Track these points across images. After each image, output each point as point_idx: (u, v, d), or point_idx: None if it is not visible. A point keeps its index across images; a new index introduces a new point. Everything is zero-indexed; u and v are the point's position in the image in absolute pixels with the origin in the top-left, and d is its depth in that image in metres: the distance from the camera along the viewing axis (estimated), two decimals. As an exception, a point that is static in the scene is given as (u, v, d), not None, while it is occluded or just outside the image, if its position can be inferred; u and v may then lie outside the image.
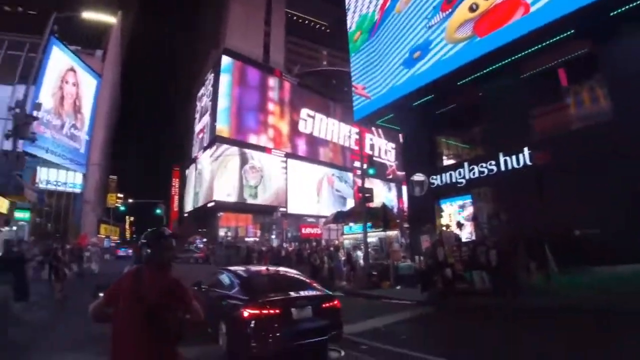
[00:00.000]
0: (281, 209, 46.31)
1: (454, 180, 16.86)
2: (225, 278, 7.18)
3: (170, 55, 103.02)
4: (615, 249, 10.52)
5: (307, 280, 7.20)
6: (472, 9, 15.36)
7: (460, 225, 14.43)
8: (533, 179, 13.79)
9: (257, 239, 51.65)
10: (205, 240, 48.40)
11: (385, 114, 20.70)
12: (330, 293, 6.98)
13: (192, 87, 72.20)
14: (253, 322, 5.61)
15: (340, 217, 21.01)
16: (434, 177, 17.82)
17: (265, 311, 5.69)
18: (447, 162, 19.14)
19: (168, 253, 2.76)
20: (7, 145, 12.93)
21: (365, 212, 17.31)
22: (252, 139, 55.65)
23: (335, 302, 6.56)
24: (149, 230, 2.92)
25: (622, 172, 10.87)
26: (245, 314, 5.67)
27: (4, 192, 10.12)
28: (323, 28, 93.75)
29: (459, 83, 16.29)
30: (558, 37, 13.05)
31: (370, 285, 15.42)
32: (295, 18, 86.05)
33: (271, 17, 69.91)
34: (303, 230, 48.34)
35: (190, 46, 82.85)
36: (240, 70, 56.53)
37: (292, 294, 6.27)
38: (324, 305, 6.35)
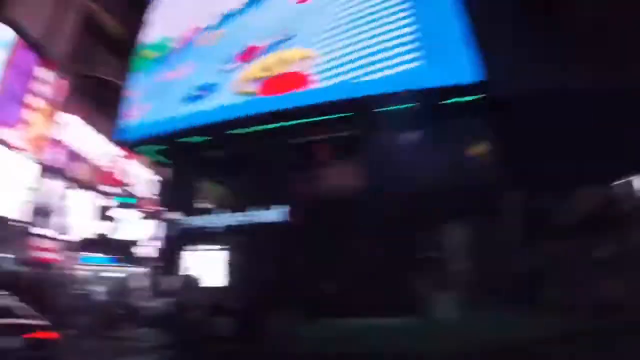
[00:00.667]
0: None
1: (211, 224, 16.86)
2: None
3: None
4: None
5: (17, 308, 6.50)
6: (264, 69, 16.40)
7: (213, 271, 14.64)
8: (287, 235, 15.06)
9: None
10: None
11: (157, 144, 19.67)
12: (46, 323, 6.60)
13: None
14: None
15: (84, 245, 18.86)
16: (190, 218, 17.49)
17: None
18: (208, 206, 19.08)
19: None
20: None
21: (111, 242, 16.04)
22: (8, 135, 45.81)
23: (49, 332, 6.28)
24: None
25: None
26: None
27: None
28: (120, 35, 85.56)
29: (235, 132, 16.84)
30: (328, 117, 14.86)
31: (114, 325, 14.22)
32: (93, 15, 76.24)
33: (70, 6, 60.82)
34: (36, 253, 41.52)
35: None
36: (11, 44, 46.75)
37: None
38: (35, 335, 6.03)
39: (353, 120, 15.01)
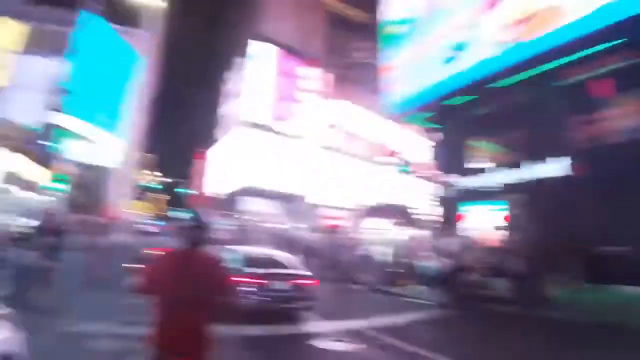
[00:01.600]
0: (308, 198, 46.03)
1: (487, 184, 16.48)
2: (231, 254, 8.94)
3: (212, 39, 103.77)
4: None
5: (294, 262, 9.27)
6: (516, 11, 14.88)
7: (489, 230, 14.11)
8: (568, 190, 13.34)
9: (283, 226, 52.06)
10: (232, 223, 49.06)
11: (423, 112, 20.37)
12: (308, 273, 8.79)
13: (225, 69, 72.67)
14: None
15: (366, 211, 20.87)
16: (465, 179, 17.48)
17: (255, 280, 7.77)
18: (481, 165, 18.64)
19: (203, 233, 2.88)
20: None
21: (389, 208, 17.17)
22: (284, 127, 55.69)
23: (313, 281, 8.56)
24: (190, 215, 3.08)
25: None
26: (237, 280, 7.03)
27: (42, 163, 10.44)
28: (364, 21, 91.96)
29: (498, 86, 15.84)
30: (604, 46, 12.49)
31: (393, 282, 15.36)
32: (334, 9, 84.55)
33: (311, 6, 69.25)
34: (328, 222, 48.43)
35: (227, 30, 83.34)
36: (274, 56, 56.34)
37: (280, 271, 8.35)
38: (301, 282, 8.27)
39: (628, 45, 12.16)
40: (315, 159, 54.94)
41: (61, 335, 5.97)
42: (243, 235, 27.67)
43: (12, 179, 9.06)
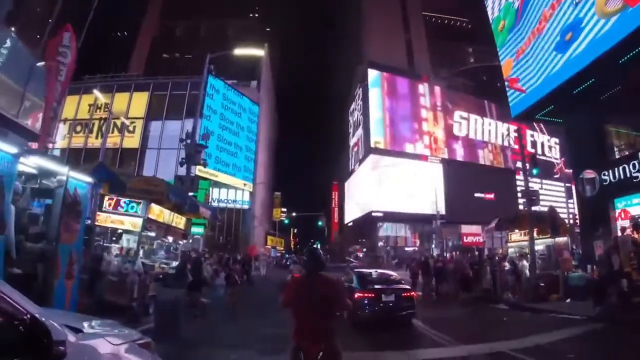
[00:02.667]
0: (440, 218, 44.70)
1: (629, 174, 14.37)
2: (351, 275, 12.01)
3: (318, 75, 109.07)
4: None
5: (397, 279, 11.76)
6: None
7: (637, 227, 12.15)
8: None
9: (416, 249, 51.21)
10: (364, 250, 49.79)
11: (544, 107, 18.72)
12: (409, 287, 11.54)
13: (343, 103, 75.29)
14: (359, 300, 9.89)
15: (503, 224, 19.54)
16: (606, 172, 15.39)
17: (366, 294, 10.12)
18: (619, 154, 16.48)
19: (318, 263, 3.96)
20: (182, 171, 15.25)
21: (530, 217, 15.87)
22: (408, 148, 55.82)
23: (412, 293, 10.86)
24: (306, 248, 4.80)
25: None
26: (356, 295, 9.92)
27: (182, 211, 11.92)
28: (464, 25, 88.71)
29: (620, 61, 14.00)
30: None
31: (537, 297, 14.04)
32: (433, 20, 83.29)
33: (409, 23, 69.46)
34: (465, 239, 46.33)
35: (336, 64, 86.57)
36: (388, 81, 57.30)
37: (384, 286, 10.52)
38: (403, 295, 10.34)
39: None
40: (445, 176, 53.83)
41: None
42: (374, 260, 27.93)
43: (155, 226, 10.56)
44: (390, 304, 9.96)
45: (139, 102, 45.00)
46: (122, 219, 9.92)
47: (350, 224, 64.39)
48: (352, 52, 71.97)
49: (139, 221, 9.80)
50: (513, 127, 47.81)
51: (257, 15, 72.84)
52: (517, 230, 18.44)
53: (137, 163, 42.97)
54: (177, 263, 12.13)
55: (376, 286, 10.39)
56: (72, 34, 13.52)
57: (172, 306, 8.18)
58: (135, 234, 10.11)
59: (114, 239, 10.87)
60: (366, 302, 9.88)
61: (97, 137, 43.51)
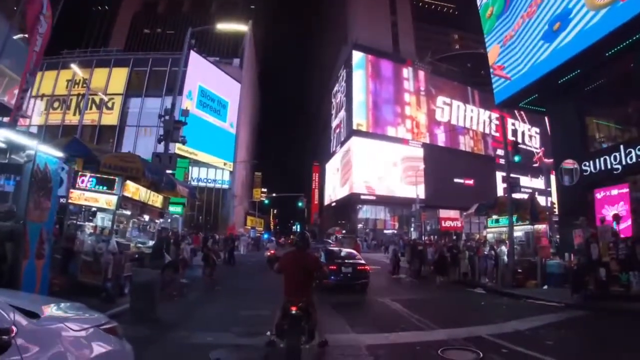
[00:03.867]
0: (420, 202, 44.87)
1: (609, 166, 14.52)
2: (320, 252, 15.23)
3: (301, 56, 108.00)
4: None
5: (357, 256, 14.88)
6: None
7: (617, 218, 12.28)
8: None
9: (395, 231, 51.56)
10: (344, 232, 49.71)
11: (528, 95, 18.78)
12: (364, 262, 14.18)
13: (325, 83, 74.54)
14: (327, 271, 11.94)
15: (483, 209, 19.58)
16: (586, 163, 15.56)
17: (331, 267, 12.95)
18: (600, 145, 16.65)
19: (305, 243, 5.85)
20: (160, 148, 14.77)
21: (511, 203, 15.94)
22: (390, 131, 55.79)
23: (366, 267, 13.83)
24: (299, 232, 6.85)
25: None
26: (325, 268, 10.82)
27: (159, 189, 11.59)
28: (450, 10, 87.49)
29: (607, 54, 14.05)
30: None
31: (515, 283, 14.22)
32: (420, 4, 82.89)
33: (396, 6, 68.75)
34: (443, 224, 46.71)
35: (320, 44, 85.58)
36: (372, 63, 56.89)
37: (345, 261, 13.74)
38: (359, 268, 13.49)
39: None
40: (425, 160, 54.09)
41: (177, 346, 6.33)
42: (352, 241, 28.07)
43: (130, 204, 10.19)
44: (349, 275, 13.15)
45: (119, 78, 43.76)
46: (96, 197, 9.47)
47: (334, 204, 64.44)
48: (337, 33, 71.08)
49: (113, 199, 9.36)
50: (495, 115, 48.21)
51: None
52: (495, 216, 18.53)
53: (116, 140, 41.98)
54: (153, 242, 11.81)
55: (337, 261, 13.60)
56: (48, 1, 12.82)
57: (148, 287, 7.91)
58: (110, 212, 9.70)
59: (90, 218, 10.42)
60: (330, 272, 12.56)
61: (74, 114, 42.79)
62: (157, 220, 12.94)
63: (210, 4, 65.72)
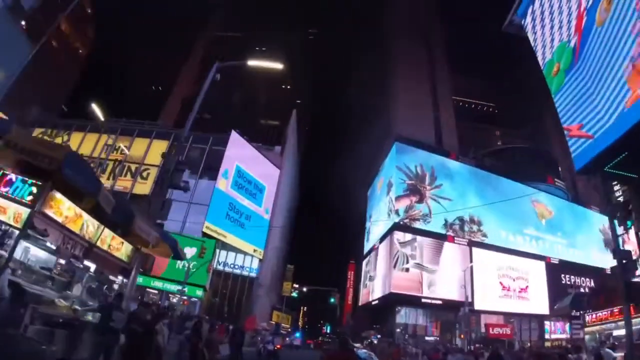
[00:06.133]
0: (470, 305, 39.10)
1: None
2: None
3: (343, 151, 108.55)
4: None
5: None
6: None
7: None
8: None
9: (437, 338, 45.02)
10: (379, 336, 44.02)
11: (616, 154, 14.91)
12: None
13: (363, 179, 72.52)
14: None
15: (578, 302, 14.77)
16: None
17: None
18: None
19: (347, 345, 6.86)
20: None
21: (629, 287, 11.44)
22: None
23: None
24: (338, 337, 14.91)
25: None
26: None
27: (116, 226, 8.18)
28: (490, 109, 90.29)
29: None
30: None
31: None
32: (460, 104, 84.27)
33: (438, 103, 69.28)
34: (490, 330, 40.49)
35: (363, 138, 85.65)
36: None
37: None
38: None
39: None
40: (473, 259, 48.72)
41: None
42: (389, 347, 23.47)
43: (59, 235, 6.87)
44: None
45: (158, 150, 43.24)
46: (4, 205, 6.26)
47: (364, 306, 58.59)
48: (380, 126, 71.07)
49: (25, 213, 6.12)
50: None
51: (289, 87, 73.49)
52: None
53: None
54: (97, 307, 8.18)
55: None
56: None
57: None
58: (26, 237, 6.34)
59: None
60: None
61: (108, 178, 42.40)
62: (115, 279, 9.34)
63: (258, 95, 67.90)
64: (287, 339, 41.70)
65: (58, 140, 41.81)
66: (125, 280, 9.60)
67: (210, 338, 12.63)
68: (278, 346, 19.62)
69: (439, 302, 46.18)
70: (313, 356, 29.15)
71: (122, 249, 8.79)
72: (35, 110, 46.98)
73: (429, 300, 46.44)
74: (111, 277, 9.28)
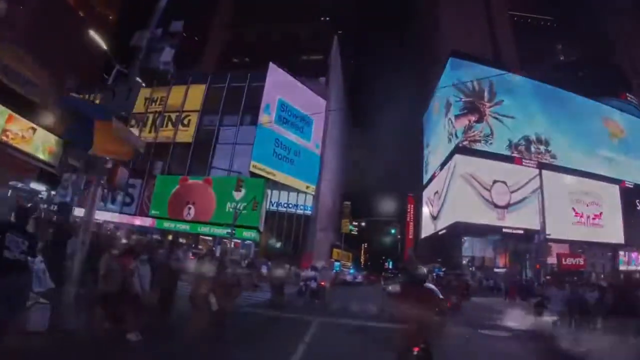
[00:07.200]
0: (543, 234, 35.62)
1: None
2: None
3: (390, 79, 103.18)
4: None
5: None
6: None
7: None
8: None
9: (506, 270, 42.34)
10: (444, 269, 41.99)
11: None
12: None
13: (418, 107, 68.25)
14: None
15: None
16: None
17: None
18: None
19: (420, 277, 5.39)
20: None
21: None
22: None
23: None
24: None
25: None
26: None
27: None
28: (549, 23, 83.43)
29: None
30: None
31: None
32: (516, 18, 77.39)
33: (495, 18, 63.55)
34: (563, 261, 37.37)
35: (411, 66, 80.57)
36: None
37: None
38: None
39: None
40: (544, 183, 44.24)
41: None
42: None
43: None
44: None
45: (195, 95, 41.67)
46: None
47: (425, 239, 56.43)
48: (427, 50, 66.09)
49: None
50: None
51: (327, 18, 69.16)
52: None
53: (190, 157, 39.58)
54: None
55: None
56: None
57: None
58: None
59: None
60: None
61: (150, 132, 41.22)
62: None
63: (298, 31, 64.33)
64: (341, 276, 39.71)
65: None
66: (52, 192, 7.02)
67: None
68: (322, 283, 17.13)
69: (520, 231, 42.65)
70: (365, 293, 27.22)
71: (29, 138, 6.07)
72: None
73: (502, 228, 43.40)
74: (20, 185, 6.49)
